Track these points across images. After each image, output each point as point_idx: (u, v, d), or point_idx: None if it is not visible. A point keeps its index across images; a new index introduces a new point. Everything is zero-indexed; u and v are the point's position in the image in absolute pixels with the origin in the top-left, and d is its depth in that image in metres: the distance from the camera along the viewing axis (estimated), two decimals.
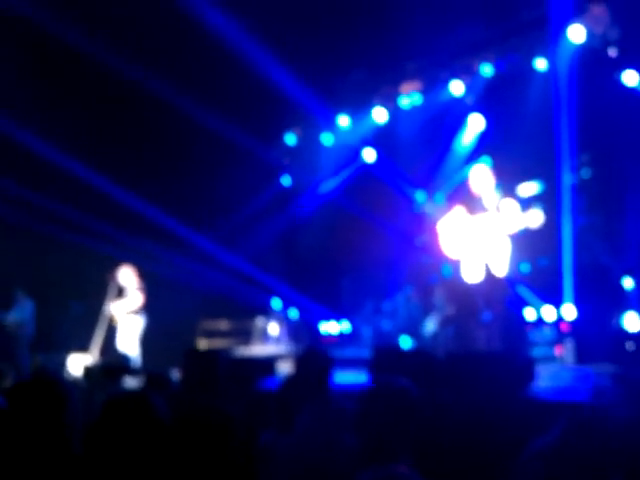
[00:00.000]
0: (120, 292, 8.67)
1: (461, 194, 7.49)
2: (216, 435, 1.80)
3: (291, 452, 2.76)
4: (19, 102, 9.02)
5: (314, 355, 3.10)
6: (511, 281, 7.28)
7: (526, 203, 7.50)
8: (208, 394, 3.31)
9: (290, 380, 3.54)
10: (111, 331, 8.79)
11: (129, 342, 8.44)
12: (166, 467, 1.78)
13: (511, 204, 6.98)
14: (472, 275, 7.10)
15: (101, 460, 1.89)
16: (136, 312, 8.49)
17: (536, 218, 6.93)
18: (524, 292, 7.84)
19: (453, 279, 7.39)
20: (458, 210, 7.30)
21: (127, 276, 8.63)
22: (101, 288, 9.00)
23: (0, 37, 9.03)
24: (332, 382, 3.01)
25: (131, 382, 5.11)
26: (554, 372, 5.89)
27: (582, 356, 6.65)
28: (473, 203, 7.16)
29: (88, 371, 6.16)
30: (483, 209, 7.08)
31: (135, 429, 1.89)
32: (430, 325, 8.33)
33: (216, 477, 1.80)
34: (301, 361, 3.06)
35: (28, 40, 9.08)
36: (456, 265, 7.40)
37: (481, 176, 7.19)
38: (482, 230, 7.07)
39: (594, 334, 6.89)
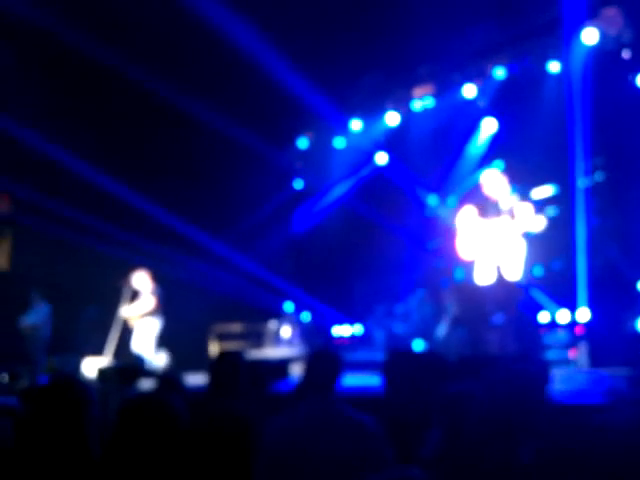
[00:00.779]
0: (134, 296, 8.72)
1: (474, 198, 7.49)
2: (235, 438, 1.82)
3: (280, 436, 2.78)
4: (36, 111, 9.10)
5: (324, 356, 3.11)
6: (525, 284, 7.26)
7: (540, 206, 7.49)
8: (232, 397, 3.33)
9: (300, 381, 3.56)
10: (125, 334, 8.84)
11: (145, 344, 8.48)
12: (184, 469, 1.80)
13: (526, 207, 6.97)
14: (484, 278, 7.10)
15: (120, 463, 1.90)
16: (152, 314, 8.53)
17: (539, 223, 6.94)
18: (538, 295, 7.81)
19: (464, 282, 7.38)
20: (469, 211, 7.30)
21: (141, 280, 8.68)
22: (115, 292, 9.06)
23: (5, 40, 9.11)
24: (339, 384, 3.02)
25: (146, 384, 5.14)
26: (568, 375, 5.87)
27: (596, 359, 6.62)
28: (487, 207, 7.15)
29: (102, 373, 6.20)
30: (498, 213, 7.08)
31: (154, 431, 1.90)
32: (441, 328, 8.32)
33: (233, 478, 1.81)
34: (311, 362, 3.07)
35: (35, 44, 9.15)
36: (469, 268, 7.39)
37: (494, 180, 7.18)
38: (496, 233, 7.07)
39: (608, 337, 6.86)
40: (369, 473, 2.45)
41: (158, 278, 8.79)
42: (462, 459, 2.26)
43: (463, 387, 2.62)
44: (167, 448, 1.86)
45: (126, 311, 8.57)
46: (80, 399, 2.17)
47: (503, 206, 7.08)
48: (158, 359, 8.43)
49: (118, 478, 1.89)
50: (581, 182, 8.12)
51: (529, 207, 6.98)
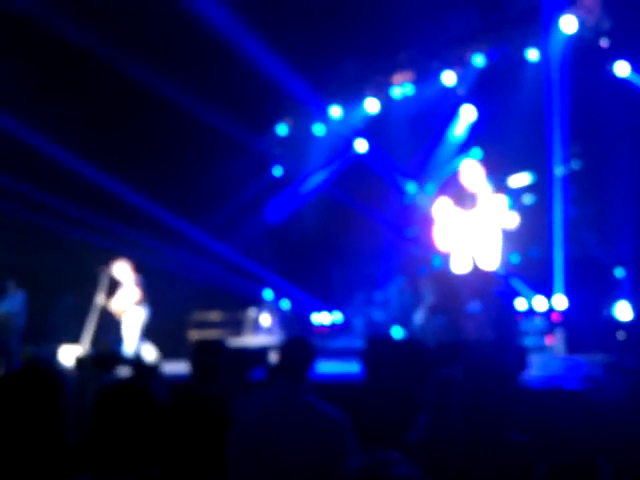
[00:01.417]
0: (112, 285, 8.63)
1: (451, 188, 7.52)
2: (211, 417, 1.81)
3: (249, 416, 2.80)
4: (14, 95, 8.96)
5: (298, 343, 3.11)
6: (502, 272, 7.31)
7: (517, 194, 7.54)
8: (213, 384, 3.33)
9: (274, 368, 3.55)
10: (102, 322, 8.76)
11: (130, 333, 8.45)
12: (163, 451, 1.78)
13: (501, 199, 7.03)
14: (461, 267, 7.15)
15: (99, 449, 1.88)
16: (137, 304, 8.48)
17: (513, 221, 7.01)
18: (515, 282, 7.88)
19: (441, 271, 7.43)
20: (445, 201, 7.34)
21: (122, 270, 8.59)
22: (92, 279, 8.97)
23: (1, 34, 8.96)
24: (313, 371, 3.03)
25: (123, 372, 5.10)
26: (545, 362, 5.93)
27: (573, 346, 6.70)
28: (464, 198, 7.20)
29: (80, 361, 6.14)
30: (474, 204, 7.13)
31: (133, 416, 1.88)
32: (418, 316, 8.37)
33: (212, 460, 1.80)
34: (284, 349, 3.07)
35: (28, 36, 9.01)
36: (447, 256, 7.43)
37: (472, 171, 7.22)
38: (472, 224, 7.11)
39: (585, 324, 6.94)
40: (330, 460, 2.46)
41: (136, 266, 8.71)
42: (446, 442, 2.28)
43: (448, 372, 2.64)
44: (146, 432, 1.84)
45: (114, 304, 8.50)
46: (52, 384, 2.15)
47: (479, 197, 7.12)
48: (147, 353, 8.40)
49: (97, 463, 1.87)
50: (558, 170, 8.18)
51: (503, 199, 7.03)
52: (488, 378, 2.30)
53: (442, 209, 7.34)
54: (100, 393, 1.97)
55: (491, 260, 7.10)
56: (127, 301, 8.42)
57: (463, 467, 2.12)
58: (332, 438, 2.75)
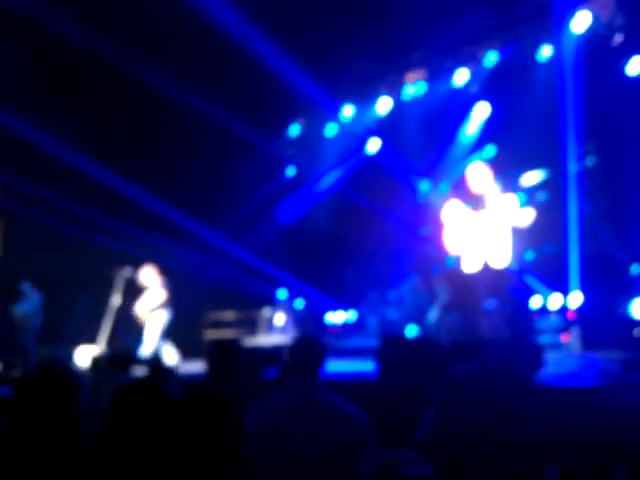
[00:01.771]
0: (137, 289, 8.74)
1: (460, 191, 7.52)
2: (224, 417, 1.81)
3: (262, 425, 2.79)
4: (27, 100, 9.03)
5: (308, 342, 3.11)
6: (516, 269, 7.29)
7: (530, 192, 7.51)
8: (229, 384, 3.35)
9: (283, 368, 3.56)
10: (118, 323, 8.83)
11: (151, 334, 8.54)
12: (177, 451, 1.79)
13: (510, 198, 7.01)
14: (472, 268, 7.14)
15: (115, 448, 1.89)
16: (162, 306, 8.58)
17: (527, 217, 6.98)
18: (530, 280, 7.84)
19: (456, 269, 7.41)
20: (455, 204, 7.34)
21: (149, 275, 8.71)
22: (107, 281, 9.04)
23: (3, 34, 9.03)
24: (322, 371, 3.03)
25: (138, 372, 5.13)
26: (561, 359, 5.90)
27: (589, 343, 6.66)
28: (472, 200, 7.19)
29: (95, 362, 6.18)
30: (483, 206, 7.11)
31: (148, 416, 1.90)
32: (432, 314, 8.35)
33: (220, 462, 1.81)
34: (294, 349, 3.08)
35: (31, 36, 9.07)
36: (459, 257, 7.42)
37: (479, 173, 7.22)
38: (482, 225, 7.10)
39: (600, 321, 6.89)
40: (349, 458, 2.46)
41: (161, 269, 8.82)
42: (457, 439, 2.27)
43: (459, 369, 2.63)
44: (161, 432, 1.85)
45: (138, 308, 8.60)
46: (68, 385, 2.17)
47: (487, 199, 7.12)
48: (167, 354, 8.46)
49: (112, 463, 1.88)
50: (573, 167, 8.13)
51: (514, 198, 7.01)
52: (503, 376, 2.30)
53: (451, 212, 7.34)
54: (114, 393, 1.98)
55: (502, 260, 7.07)
56: (152, 304, 8.52)
57: (474, 464, 2.11)
58: (351, 434, 2.72)
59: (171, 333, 8.77)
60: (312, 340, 3.09)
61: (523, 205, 7.40)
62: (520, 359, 2.41)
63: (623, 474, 2.17)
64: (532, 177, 7.72)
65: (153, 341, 8.52)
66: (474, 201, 7.14)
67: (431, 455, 2.17)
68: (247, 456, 2.43)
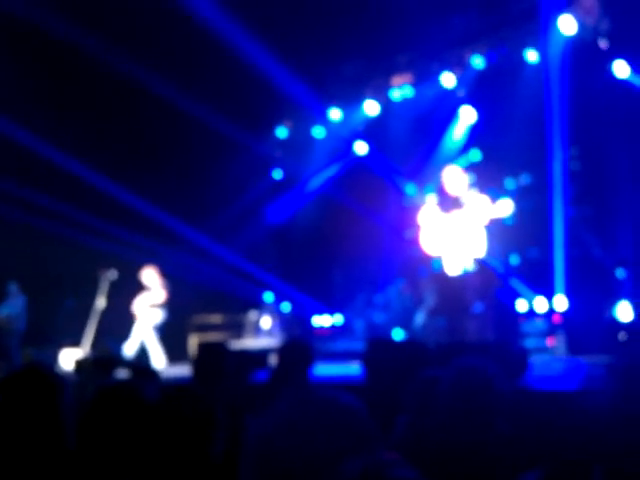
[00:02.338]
0: (140, 290, 8.75)
1: (438, 194, 7.56)
2: (198, 421, 1.80)
3: (262, 433, 2.78)
4: (15, 99, 8.97)
5: (295, 346, 3.11)
6: (502, 273, 7.31)
7: (515, 195, 7.55)
8: (216, 387, 3.33)
9: (273, 371, 3.55)
10: (103, 326, 8.78)
11: (141, 334, 8.58)
12: (154, 453, 1.77)
13: (483, 199, 7.08)
14: (454, 269, 7.17)
15: (92, 448, 1.88)
16: (158, 306, 8.65)
17: (506, 208, 7.03)
18: (515, 283, 7.87)
19: (442, 272, 7.42)
20: (431, 207, 7.39)
21: (150, 276, 8.76)
22: (93, 283, 8.98)
23: (3, 37, 8.98)
24: (312, 372, 3.02)
25: (123, 374, 5.10)
26: (546, 363, 5.92)
27: (574, 347, 6.68)
28: (448, 202, 7.24)
29: (79, 364, 6.13)
30: (459, 207, 7.16)
31: (125, 416, 1.88)
32: (419, 317, 8.36)
33: (202, 464, 1.79)
34: (282, 352, 3.08)
35: (25, 38, 9.02)
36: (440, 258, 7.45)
37: (455, 177, 7.28)
38: (458, 226, 7.15)
39: (586, 325, 6.93)
40: (355, 448, 2.44)
41: (161, 271, 8.87)
42: (427, 443, 2.27)
43: (433, 373, 2.63)
44: (136, 434, 1.84)
45: (136, 305, 8.65)
46: (51, 386, 2.15)
47: (463, 199, 7.17)
48: (156, 359, 8.46)
49: (91, 464, 1.86)
50: (558, 170, 8.18)
51: (486, 199, 7.08)
52: (471, 386, 2.30)
53: (428, 215, 7.40)
54: (94, 394, 1.97)
55: (480, 258, 7.12)
56: (150, 301, 8.55)
57: (443, 468, 2.11)
58: (357, 426, 2.72)
59: (159, 335, 8.76)
60: (300, 343, 3.09)
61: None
62: (492, 372, 2.41)
63: (600, 474, 2.17)
64: (516, 181, 7.79)
65: (142, 340, 8.56)
66: (451, 203, 7.19)
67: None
68: (259, 469, 2.41)
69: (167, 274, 9.06)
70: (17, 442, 2.07)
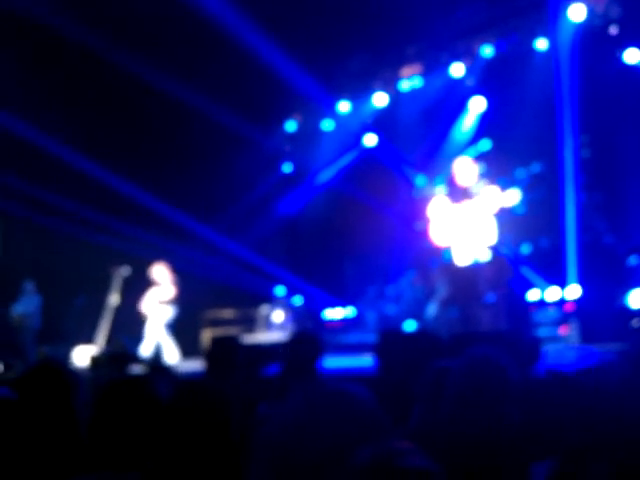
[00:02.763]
0: (150, 286, 8.80)
1: (448, 185, 7.54)
2: (212, 414, 1.81)
3: (277, 425, 2.80)
4: (24, 99, 9.02)
5: (304, 339, 3.12)
6: (514, 262, 7.29)
7: (526, 184, 7.52)
8: (228, 381, 3.35)
9: (283, 364, 3.56)
10: (116, 322, 8.83)
11: (154, 330, 8.61)
12: (166, 447, 1.79)
13: (493, 189, 7.06)
14: (465, 260, 7.16)
15: (107, 444, 1.89)
16: (168, 303, 8.67)
17: (512, 197, 7.02)
18: (527, 273, 7.84)
19: (453, 262, 7.41)
20: (440, 199, 7.38)
21: (161, 272, 8.80)
22: (105, 280, 9.03)
23: (1, 34, 9.00)
24: (321, 365, 3.03)
25: (137, 370, 5.14)
26: (559, 352, 5.89)
27: (587, 336, 6.65)
28: (458, 193, 7.23)
29: (94, 361, 6.19)
30: (469, 197, 7.15)
31: (135, 411, 1.90)
32: (432, 308, 8.34)
33: (214, 457, 1.80)
34: (291, 345, 3.09)
35: (28, 36, 9.05)
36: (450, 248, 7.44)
37: (465, 168, 7.26)
38: (469, 217, 7.14)
39: (599, 313, 6.89)
40: (366, 438, 2.44)
41: (172, 267, 8.90)
42: (439, 433, 2.27)
43: (446, 363, 2.64)
44: (151, 427, 1.85)
45: (146, 302, 8.69)
46: (65, 383, 2.17)
47: (474, 190, 7.15)
48: (169, 354, 8.51)
49: (104, 458, 1.88)
50: (569, 158, 8.13)
51: (496, 189, 7.06)
52: (484, 375, 2.29)
53: (438, 206, 7.38)
54: (104, 389, 1.98)
55: (490, 246, 7.11)
56: (161, 299, 8.60)
57: (455, 458, 2.11)
58: (367, 416, 2.74)
59: (171, 331, 8.80)
60: (308, 335, 3.10)
61: (520, 200, 7.41)
62: (508, 359, 2.40)
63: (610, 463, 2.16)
64: (526, 170, 7.76)
65: (155, 337, 8.58)
66: (461, 193, 7.18)
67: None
68: (271, 462, 2.42)
69: (179, 270, 9.07)
70: (32, 438, 2.10)
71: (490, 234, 7.09)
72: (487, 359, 2.35)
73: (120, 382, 2.02)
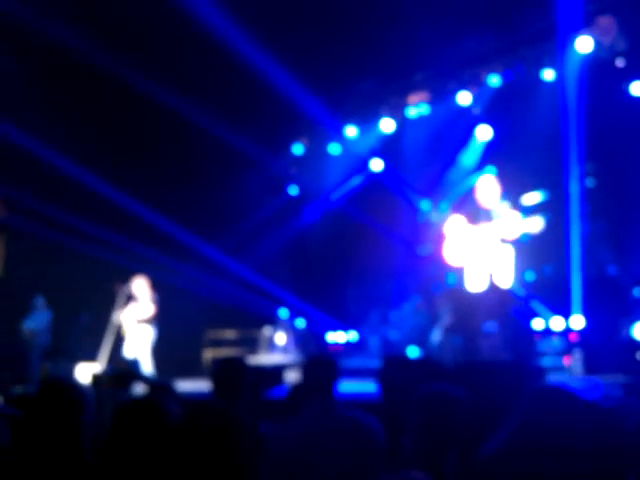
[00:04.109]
0: (129, 301, 8.68)
1: (466, 204, 7.49)
2: (224, 436, 1.82)
3: (285, 442, 2.79)
4: (30, 113, 9.09)
5: (321, 362, 3.12)
6: (518, 291, 7.27)
7: (530, 212, 7.51)
8: (234, 402, 3.34)
9: (297, 386, 3.55)
10: (119, 340, 8.80)
11: (140, 352, 8.45)
12: (176, 469, 1.79)
13: (514, 214, 6.98)
14: (476, 284, 7.08)
15: (115, 465, 1.89)
16: (147, 322, 8.50)
17: (536, 224, 6.93)
18: (532, 302, 7.82)
19: (457, 288, 7.38)
20: (458, 219, 7.30)
21: (140, 286, 8.64)
22: (109, 298, 9.03)
23: (3, 44, 9.09)
24: (337, 389, 3.03)
25: (139, 389, 5.12)
26: (563, 382, 5.86)
27: (591, 366, 6.62)
28: (478, 213, 7.14)
29: (96, 379, 6.16)
30: (488, 219, 7.06)
31: (148, 433, 1.90)
32: (436, 335, 8.32)
33: (224, 477, 1.81)
34: (308, 367, 3.08)
35: (30, 47, 9.13)
36: (461, 274, 7.38)
37: (488, 187, 7.17)
38: (485, 239, 7.06)
39: (603, 344, 6.86)
40: (373, 472, 2.45)
41: (153, 283, 8.76)
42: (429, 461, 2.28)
43: (436, 388, 2.63)
44: (160, 449, 1.85)
45: (125, 316, 8.52)
46: (74, 401, 2.17)
47: (494, 213, 7.07)
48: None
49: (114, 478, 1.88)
50: (575, 188, 8.15)
51: (517, 214, 6.98)
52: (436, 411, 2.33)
53: (455, 226, 7.30)
54: (115, 411, 1.99)
55: (505, 277, 7.04)
56: (138, 315, 8.44)
57: None
58: (371, 445, 2.74)
59: (170, 350, 8.74)
60: (325, 359, 3.10)
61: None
62: (459, 392, 2.42)
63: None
64: (531, 198, 7.74)
65: (145, 358, 8.44)
66: (480, 214, 7.09)
67: None
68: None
69: (169, 288, 8.86)
70: (39, 455, 2.10)
71: (506, 261, 7.02)
72: (439, 395, 2.39)
73: (131, 405, 2.02)
